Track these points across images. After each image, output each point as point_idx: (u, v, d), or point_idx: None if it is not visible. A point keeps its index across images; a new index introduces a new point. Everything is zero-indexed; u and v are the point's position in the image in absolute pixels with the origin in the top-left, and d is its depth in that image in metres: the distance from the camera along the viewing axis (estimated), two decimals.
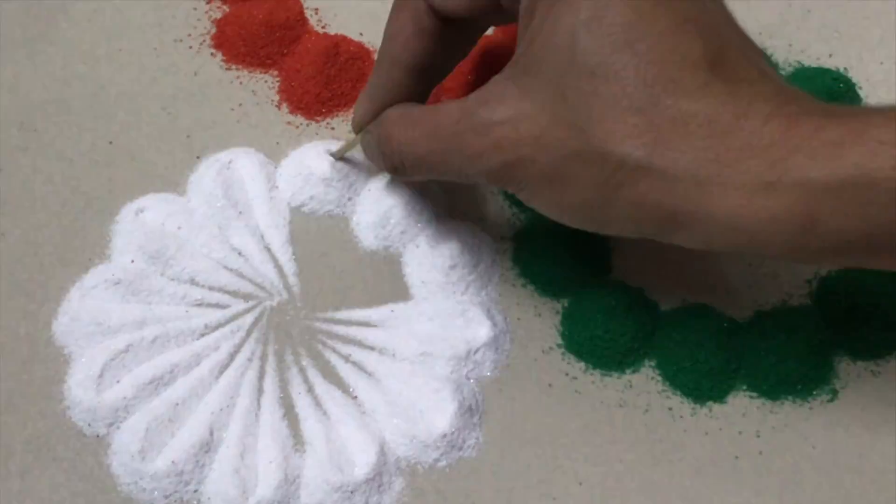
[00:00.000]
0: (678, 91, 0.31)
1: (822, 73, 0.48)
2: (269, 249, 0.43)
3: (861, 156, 0.29)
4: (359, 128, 0.42)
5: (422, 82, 0.40)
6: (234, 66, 0.47)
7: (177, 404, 0.39)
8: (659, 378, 0.41)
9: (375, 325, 0.42)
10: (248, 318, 0.41)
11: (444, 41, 0.39)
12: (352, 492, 0.38)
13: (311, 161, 0.44)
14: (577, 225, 0.35)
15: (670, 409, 0.41)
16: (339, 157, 0.44)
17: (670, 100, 0.31)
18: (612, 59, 0.31)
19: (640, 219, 0.33)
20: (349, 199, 0.44)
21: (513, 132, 0.33)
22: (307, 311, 0.42)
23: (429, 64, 0.40)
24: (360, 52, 0.47)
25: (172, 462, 0.37)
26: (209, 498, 0.38)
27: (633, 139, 0.31)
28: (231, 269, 0.42)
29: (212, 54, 0.48)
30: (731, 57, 0.32)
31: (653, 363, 0.42)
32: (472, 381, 0.41)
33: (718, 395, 0.41)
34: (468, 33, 0.41)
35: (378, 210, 0.43)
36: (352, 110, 0.43)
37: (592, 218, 0.34)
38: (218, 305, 0.41)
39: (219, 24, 0.48)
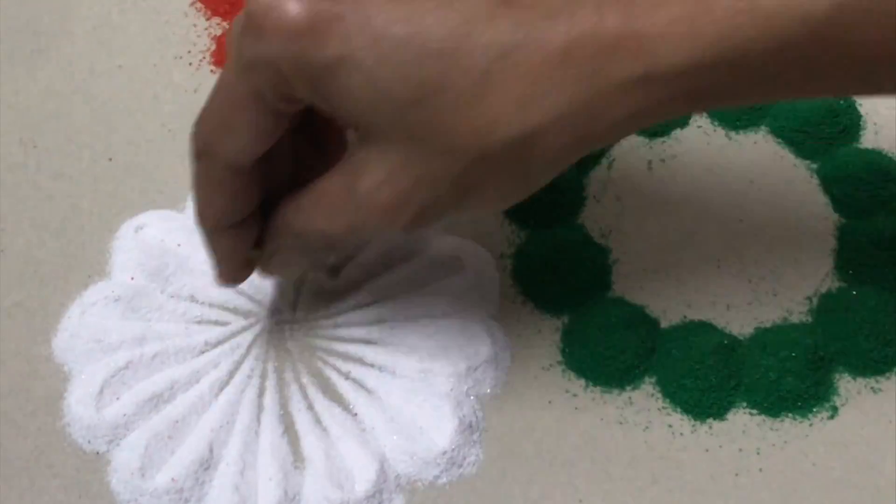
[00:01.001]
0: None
1: None
2: None
3: None
4: (255, 264, 0.38)
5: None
6: None
7: (176, 421, 0.39)
8: (659, 395, 0.41)
9: (375, 342, 0.41)
10: (248, 335, 0.41)
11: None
12: None
13: None
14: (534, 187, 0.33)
15: (670, 426, 0.41)
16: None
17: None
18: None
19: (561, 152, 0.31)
20: None
21: (394, 187, 0.31)
22: (307, 328, 0.42)
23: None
24: None
25: (172, 479, 0.37)
26: None
27: (511, 123, 0.30)
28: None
29: (212, 71, 0.48)
30: None
31: (653, 380, 0.42)
32: (472, 397, 0.41)
33: (718, 412, 0.41)
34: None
35: None
36: None
37: (516, 189, 0.33)
38: (218, 322, 0.41)
39: (219, 41, 0.48)
